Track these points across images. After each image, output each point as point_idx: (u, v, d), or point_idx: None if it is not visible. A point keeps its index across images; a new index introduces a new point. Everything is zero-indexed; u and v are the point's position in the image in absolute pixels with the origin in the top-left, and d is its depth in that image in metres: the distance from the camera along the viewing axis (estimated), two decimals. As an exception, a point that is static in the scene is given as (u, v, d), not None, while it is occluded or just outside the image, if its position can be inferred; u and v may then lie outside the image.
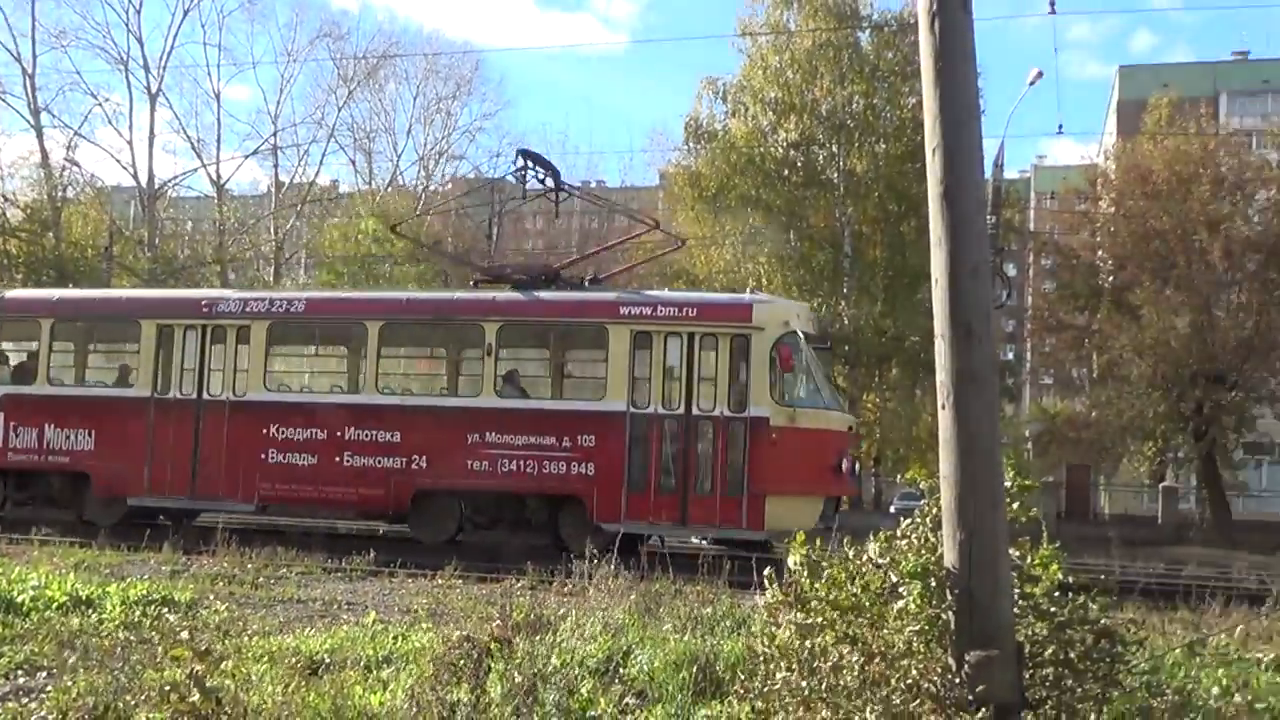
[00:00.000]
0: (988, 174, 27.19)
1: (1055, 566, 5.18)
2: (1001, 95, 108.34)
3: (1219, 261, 26.65)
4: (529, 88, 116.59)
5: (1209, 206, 26.95)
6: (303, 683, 6.03)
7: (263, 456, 15.93)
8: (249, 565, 11.76)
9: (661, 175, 43.96)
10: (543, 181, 17.42)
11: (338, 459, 15.70)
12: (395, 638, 7.88)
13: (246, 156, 49.33)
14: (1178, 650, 7.22)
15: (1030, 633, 5.07)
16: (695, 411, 14.71)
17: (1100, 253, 30.42)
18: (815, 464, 14.63)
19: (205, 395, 16.36)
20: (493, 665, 5.70)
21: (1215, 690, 6.52)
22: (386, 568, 12.38)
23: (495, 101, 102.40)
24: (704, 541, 15.39)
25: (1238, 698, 6.43)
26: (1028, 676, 4.84)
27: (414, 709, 5.31)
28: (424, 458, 15.43)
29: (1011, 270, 36.97)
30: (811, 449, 14.63)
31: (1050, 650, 5.04)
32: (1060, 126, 54.97)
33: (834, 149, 31.66)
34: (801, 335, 14.69)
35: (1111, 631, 5.17)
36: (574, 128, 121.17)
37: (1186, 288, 26.83)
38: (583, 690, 6.11)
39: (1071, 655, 5.04)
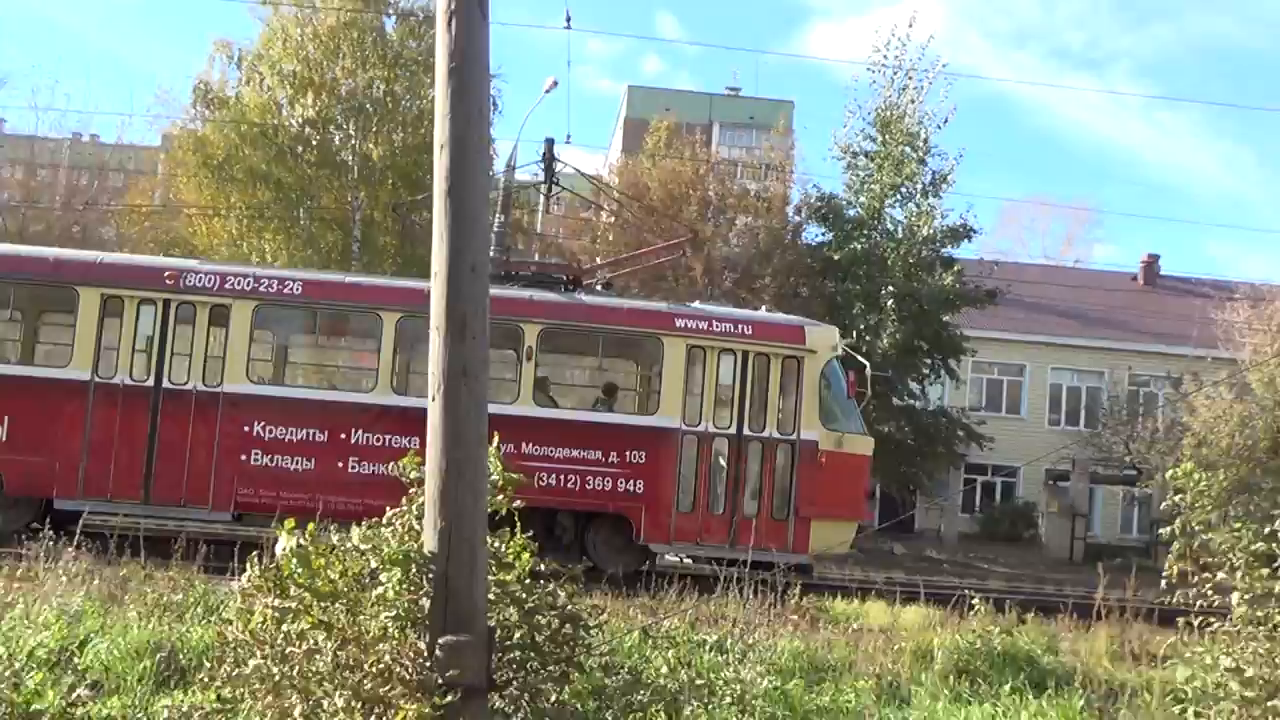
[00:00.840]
0: (500, 174, 28.31)
1: (527, 555, 5.58)
2: (520, 99, 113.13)
3: (700, 278, 29.72)
4: (18, 23, 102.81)
5: (695, 226, 30.03)
6: None
7: (243, 458, 13.88)
8: None
9: (165, 137, 40.90)
10: None
11: (342, 464, 13.96)
12: None
13: None
14: (635, 633, 8.03)
15: (502, 618, 5.42)
16: (746, 431, 14.52)
17: (598, 259, 32.69)
18: (855, 488, 14.74)
19: (167, 383, 13.99)
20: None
21: (665, 669, 7.35)
22: None
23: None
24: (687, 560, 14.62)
25: (683, 674, 7.30)
26: (497, 659, 5.16)
27: None
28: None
29: (517, 271, 38.59)
30: (852, 473, 14.69)
31: (519, 634, 5.41)
32: (569, 136, 58.73)
33: (351, 131, 31.30)
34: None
35: (576, 616, 5.66)
36: (70, 74, 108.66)
37: (680, 299, 29.74)
38: (29, 683, 5.64)
39: (539, 639, 5.45)
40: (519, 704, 5.34)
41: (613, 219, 32.63)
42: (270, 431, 14.06)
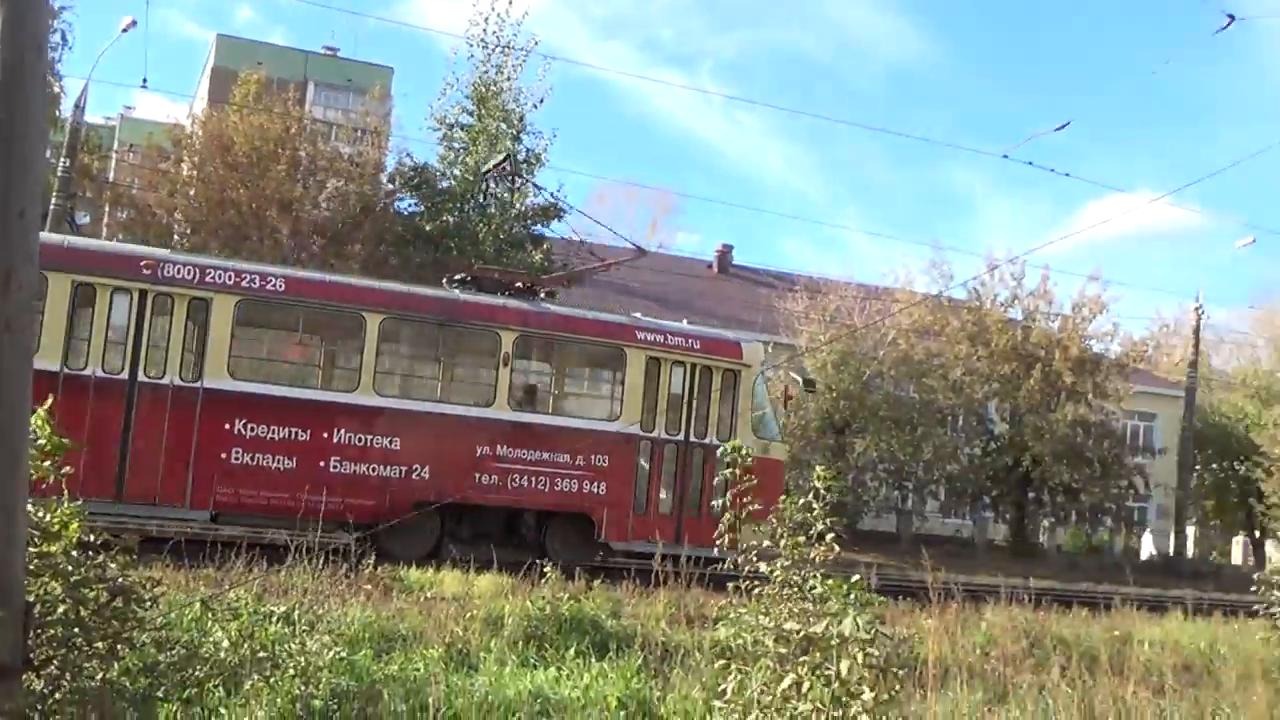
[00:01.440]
0: (67, 116, 25.84)
1: (76, 525, 5.28)
2: (94, 36, 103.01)
3: (287, 240, 28.73)
4: None
5: (283, 187, 28.91)
6: None
7: (223, 456, 14.01)
8: None
9: None
10: None
11: (323, 463, 14.37)
12: None
13: None
14: (195, 605, 7.76)
15: (44, 592, 5.10)
16: (692, 438, 16.14)
17: (177, 214, 30.74)
18: (776, 491, 13.46)
19: (142, 376, 13.85)
20: None
21: (225, 642, 7.17)
22: None
23: None
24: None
25: (245, 648, 7.16)
26: (35, 637, 4.85)
27: None
28: (426, 468, 14.78)
29: (85, 218, 35.43)
30: (775, 478, 15.69)
31: (63, 609, 5.12)
32: (145, 80, 54.21)
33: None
34: None
35: (127, 589, 5.42)
36: None
37: (257, 261, 28.45)
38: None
39: (84, 613, 5.18)
40: (59, 684, 5.06)
41: (194, 173, 30.74)
42: (251, 430, 14.28)
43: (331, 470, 14.44)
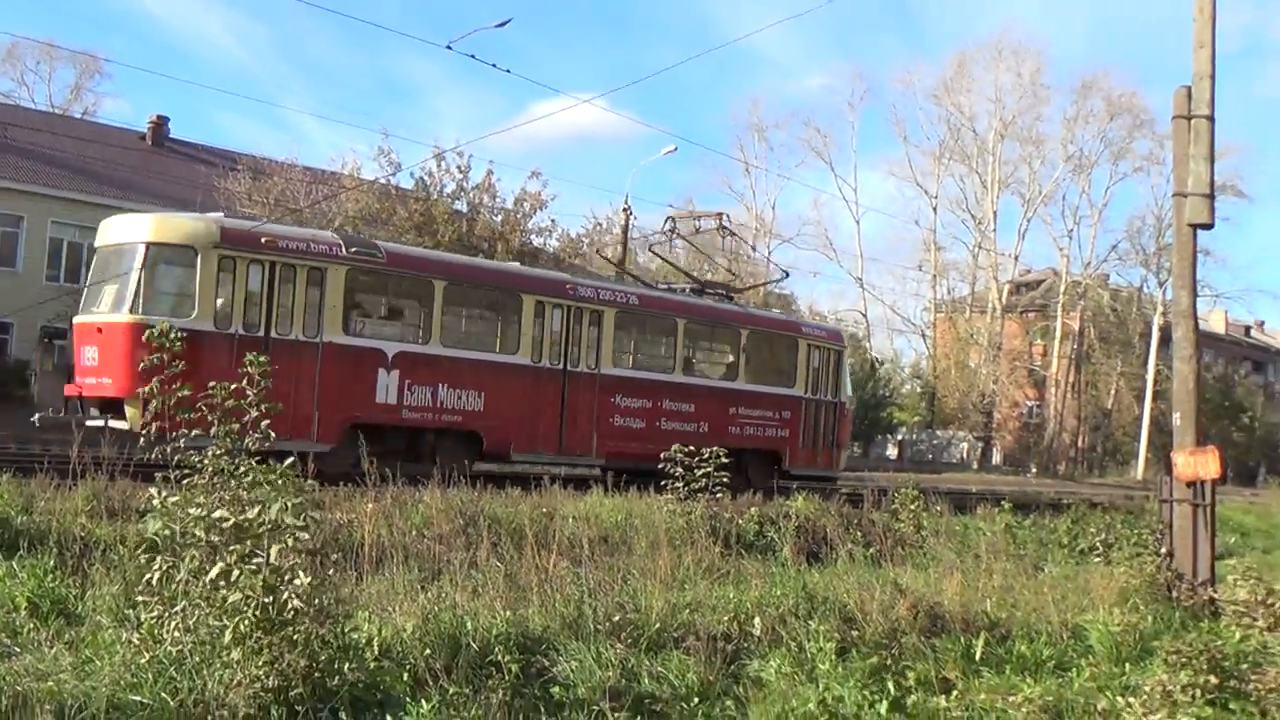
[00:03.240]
0: None
1: None
2: None
3: None
4: None
5: None
6: None
7: (610, 420, 20.51)
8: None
9: None
10: None
11: (657, 423, 21.11)
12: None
13: None
14: None
15: None
16: (823, 398, 24.59)
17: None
18: (849, 430, 26.39)
19: (569, 368, 20.14)
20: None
21: None
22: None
23: None
24: None
25: None
26: None
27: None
28: (706, 424, 21.68)
29: None
30: (849, 421, 26.62)
31: None
32: None
33: None
34: None
35: None
36: None
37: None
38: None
39: None
40: None
41: None
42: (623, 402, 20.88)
43: (661, 429, 20.81)
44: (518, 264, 25.53)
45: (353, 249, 17.77)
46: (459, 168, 35.60)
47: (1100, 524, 17.36)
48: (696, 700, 7.44)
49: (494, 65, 21.76)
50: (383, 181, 34.04)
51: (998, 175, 63.68)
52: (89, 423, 15.17)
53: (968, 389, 63.61)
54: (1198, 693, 8.17)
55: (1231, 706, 8.41)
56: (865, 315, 67.36)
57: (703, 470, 14.16)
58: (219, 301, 16.10)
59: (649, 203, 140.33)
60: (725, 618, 9.00)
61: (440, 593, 8.79)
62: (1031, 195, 64.19)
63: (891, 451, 63.68)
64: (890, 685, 7.36)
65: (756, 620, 9.05)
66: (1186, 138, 13.21)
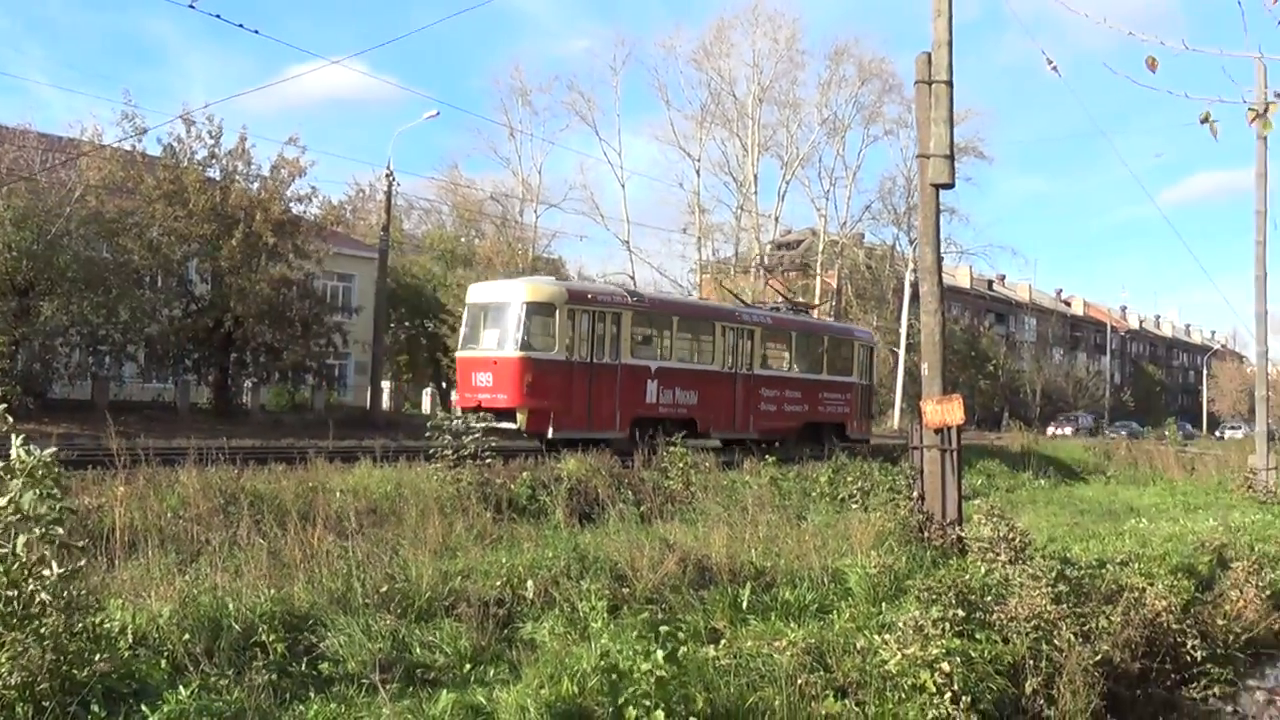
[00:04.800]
0: None
1: None
2: None
3: None
4: None
5: None
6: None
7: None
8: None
9: None
10: None
11: (782, 407, 29.42)
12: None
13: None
14: None
15: None
16: (864, 382, 33.05)
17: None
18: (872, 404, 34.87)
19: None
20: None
21: None
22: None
23: None
24: None
25: None
26: None
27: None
28: (807, 405, 29.98)
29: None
30: (871, 397, 35.49)
31: None
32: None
33: None
34: None
35: None
36: None
37: None
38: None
39: None
40: None
41: None
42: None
43: (785, 410, 29.29)
44: (715, 300, 39.72)
45: (634, 299, 25.53)
46: (210, 133, 33.95)
47: (858, 473, 18.33)
48: (469, 666, 7.49)
49: (241, 25, 20.86)
50: (127, 147, 32.07)
51: (758, 139, 65.53)
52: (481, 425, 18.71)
53: (735, 347, 65.48)
54: (947, 625, 8.79)
55: (978, 636, 9.10)
56: (633, 277, 68.24)
57: (471, 437, 14.14)
58: (567, 340, 23.13)
59: (414, 169, 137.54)
60: (498, 583, 9.07)
61: (199, 575, 8.51)
62: (790, 158, 66.39)
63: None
64: (664, 636, 7.59)
65: (529, 583, 9.15)
66: (928, 102, 13.98)
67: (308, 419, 33.61)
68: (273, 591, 8.03)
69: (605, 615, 8.44)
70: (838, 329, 36.65)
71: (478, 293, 25.26)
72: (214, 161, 34.37)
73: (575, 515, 13.84)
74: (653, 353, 25.92)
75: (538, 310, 23.04)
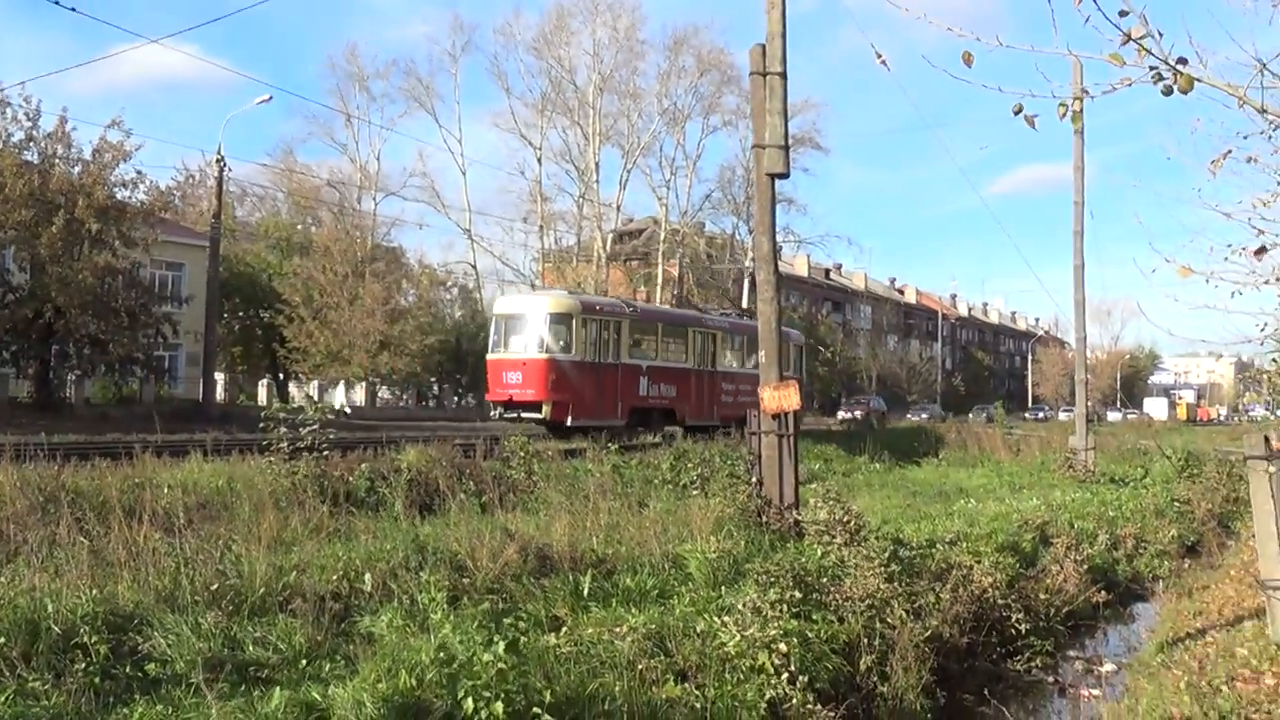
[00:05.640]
0: None
1: None
2: None
3: None
4: None
5: None
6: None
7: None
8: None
9: None
10: None
11: (739, 399, 32.95)
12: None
13: None
14: None
15: None
16: (796, 376, 28.34)
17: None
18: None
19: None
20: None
21: None
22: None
23: None
24: None
25: None
26: None
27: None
28: (754, 397, 27.01)
29: None
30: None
31: None
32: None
33: None
34: None
35: None
36: None
37: None
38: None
39: None
40: None
41: None
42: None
43: (740, 401, 31.89)
44: (694, 311, 40.14)
45: (629, 309, 30.80)
46: (27, 114, 32.30)
47: (699, 459, 18.61)
48: (305, 662, 7.34)
49: (57, 3, 19.75)
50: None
51: (599, 127, 65.65)
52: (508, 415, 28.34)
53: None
54: (785, 607, 9.02)
55: (814, 617, 9.37)
56: (475, 267, 67.81)
57: (307, 428, 13.87)
58: (581, 344, 28.28)
59: (247, 154, 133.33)
60: (334, 577, 8.91)
61: (15, 576, 8.13)
62: (631, 147, 66.71)
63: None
64: (505, 626, 7.57)
65: (367, 576, 9.02)
66: (763, 93, 14.25)
67: (136, 412, 32.37)
68: (95, 591, 7.73)
69: (445, 606, 8.36)
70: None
71: (505, 305, 31.28)
72: (31, 144, 32.78)
73: (415, 507, 13.67)
74: (644, 354, 31.12)
75: (558, 320, 28.42)
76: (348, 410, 48.30)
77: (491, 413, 30.14)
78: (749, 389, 34.40)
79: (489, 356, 29.69)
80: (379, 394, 52.59)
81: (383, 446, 18.00)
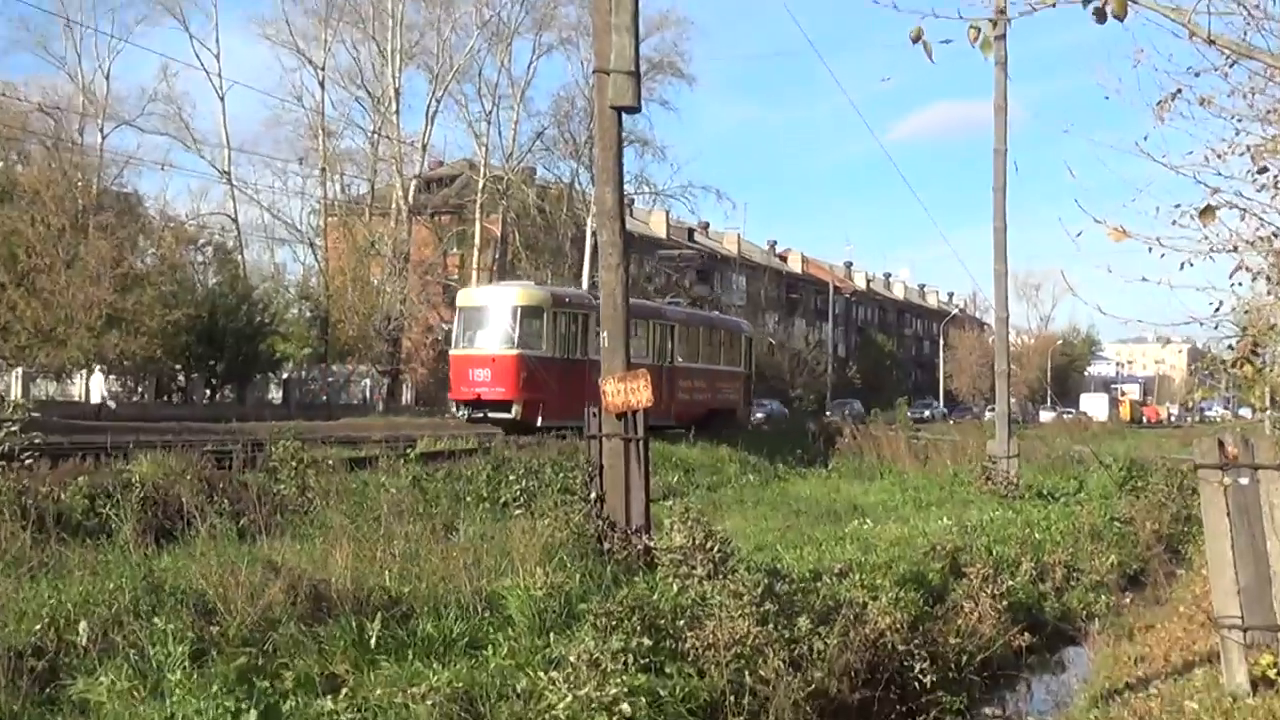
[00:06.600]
0: None
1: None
2: None
3: None
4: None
5: None
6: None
7: (678, 395, 41.56)
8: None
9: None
10: None
11: (693, 395, 42.75)
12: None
13: None
14: None
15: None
16: (747, 371, 49.28)
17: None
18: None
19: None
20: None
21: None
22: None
23: None
24: None
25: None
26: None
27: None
28: (713, 394, 44.53)
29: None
30: (750, 388, 52.36)
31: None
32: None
33: None
34: None
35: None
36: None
37: None
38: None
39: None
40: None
41: None
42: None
43: (696, 399, 42.75)
44: (652, 303, 47.83)
45: (597, 301, 35.01)
46: None
47: (523, 469, 18.62)
48: (-7, 740, 7.11)
49: None
50: None
51: (400, 44, 64.91)
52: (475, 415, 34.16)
53: (369, 311, 64.80)
54: (630, 658, 9.07)
55: (668, 669, 9.45)
56: (236, 220, 66.51)
57: (3, 431, 13.44)
58: (552, 340, 33.50)
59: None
60: (37, 626, 8.66)
61: None
62: (441, 70, 66.14)
63: (276, 394, 63.74)
64: (261, 690, 7.45)
65: (82, 625, 8.78)
66: (607, 4, 14.24)
67: None
68: None
69: (187, 663, 8.19)
70: (730, 323, 52.96)
71: (470, 297, 37.96)
72: None
73: (150, 533, 13.35)
74: None
75: (529, 313, 33.83)
76: (111, 404, 47.05)
77: (456, 412, 36.07)
78: (704, 386, 43.51)
79: (453, 352, 35.37)
80: (101, 388, 51.07)
81: (108, 454, 17.52)
